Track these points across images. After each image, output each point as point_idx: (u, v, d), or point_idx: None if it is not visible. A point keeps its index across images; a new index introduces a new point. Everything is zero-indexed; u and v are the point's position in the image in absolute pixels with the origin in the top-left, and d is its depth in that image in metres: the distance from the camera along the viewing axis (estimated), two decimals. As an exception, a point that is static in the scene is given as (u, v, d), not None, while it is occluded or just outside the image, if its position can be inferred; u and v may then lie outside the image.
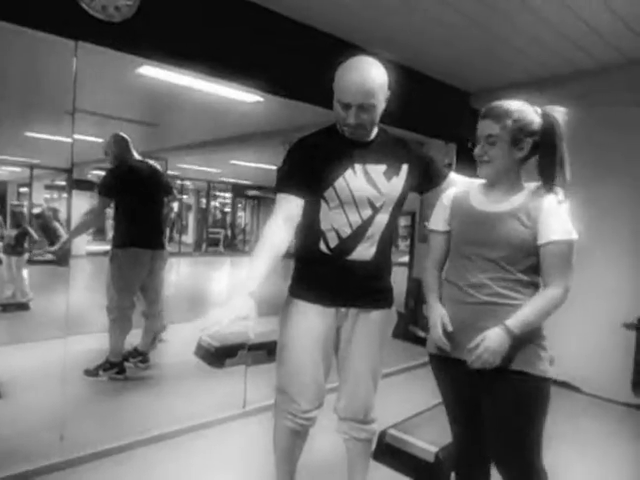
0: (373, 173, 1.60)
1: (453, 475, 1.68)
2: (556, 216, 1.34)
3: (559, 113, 1.41)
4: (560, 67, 3.38)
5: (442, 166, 1.78)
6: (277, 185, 1.59)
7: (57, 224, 7.96)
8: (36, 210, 9.77)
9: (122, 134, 3.33)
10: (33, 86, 4.22)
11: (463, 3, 2.50)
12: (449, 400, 1.55)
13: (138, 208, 3.22)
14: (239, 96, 3.61)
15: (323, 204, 1.61)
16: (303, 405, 1.68)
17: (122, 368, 3.23)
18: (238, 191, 15.71)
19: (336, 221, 1.60)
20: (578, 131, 3.21)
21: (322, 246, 1.63)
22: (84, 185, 8.00)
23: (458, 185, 1.65)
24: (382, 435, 2.36)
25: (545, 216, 1.35)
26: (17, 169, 11.05)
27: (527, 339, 1.35)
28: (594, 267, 3.51)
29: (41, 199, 11.67)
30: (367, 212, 1.60)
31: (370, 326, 1.68)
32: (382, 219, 1.63)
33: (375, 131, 1.66)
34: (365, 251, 1.62)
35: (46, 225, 7.82)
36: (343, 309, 1.66)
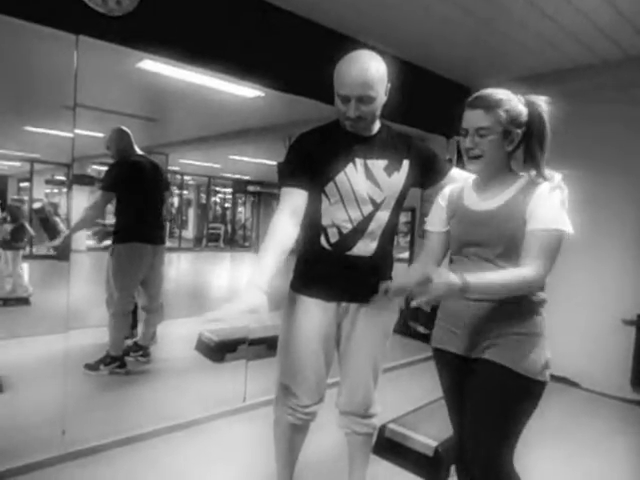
0: (374, 168, 1.60)
1: (453, 468, 1.69)
2: (545, 204, 1.29)
3: (543, 102, 1.36)
4: (562, 62, 3.37)
5: (444, 162, 1.77)
6: (280, 180, 1.60)
7: (57, 219, 7.97)
8: (36, 205, 9.76)
9: (124, 128, 3.32)
10: (33, 80, 4.21)
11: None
12: (448, 392, 1.55)
13: (140, 203, 3.22)
14: (240, 91, 3.60)
15: (324, 199, 1.61)
16: (304, 400, 1.69)
17: (123, 362, 3.24)
18: (238, 186, 15.70)
19: (337, 217, 1.60)
20: (580, 125, 3.27)
21: (323, 241, 1.63)
22: (84, 180, 8.01)
23: (457, 182, 1.62)
24: (382, 429, 2.37)
25: (534, 205, 1.30)
26: (17, 164, 11.04)
27: (524, 338, 1.32)
28: (594, 263, 3.52)
29: (42, 194, 11.66)
30: (368, 208, 1.60)
31: (370, 321, 1.69)
32: (383, 215, 1.63)
33: (378, 126, 1.65)
34: (366, 247, 1.62)
35: (46, 220, 7.83)
36: (344, 304, 1.67)
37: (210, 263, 12.31)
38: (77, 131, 2.52)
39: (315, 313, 1.65)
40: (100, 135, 3.61)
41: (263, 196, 14.39)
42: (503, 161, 1.38)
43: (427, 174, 1.70)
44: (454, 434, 1.56)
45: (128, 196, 3.18)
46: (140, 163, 3.29)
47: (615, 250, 3.48)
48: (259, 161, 9.11)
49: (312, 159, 1.58)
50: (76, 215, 3.36)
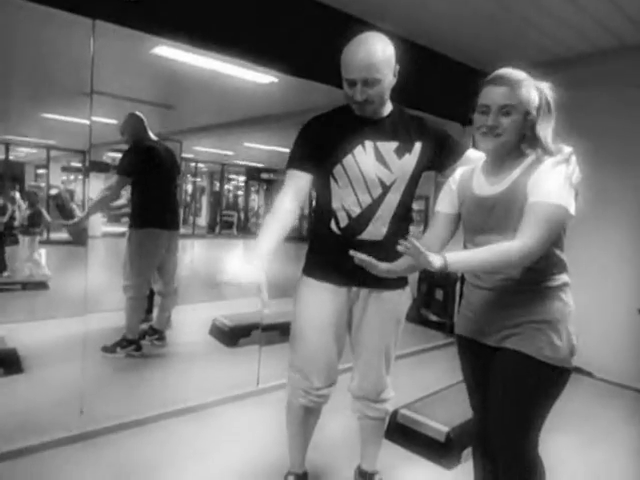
0: (384, 150, 1.59)
1: (464, 453, 1.69)
2: (547, 178, 1.25)
3: (546, 88, 1.34)
4: (580, 46, 3.30)
5: (459, 143, 1.73)
6: (287, 164, 1.61)
7: (73, 205, 8.09)
8: (53, 191, 9.90)
9: (138, 113, 3.33)
10: (50, 67, 4.24)
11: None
12: (468, 378, 1.54)
13: (156, 189, 3.25)
14: (253, 77, 3.60)
15: (333, 183, 1.60)
16: (315, 382, 1.71)
17: (139, 345, 3.30)
18: (251, 174, 15.73)
19: (346, 200, 1.60)
20: (592, 111, 3.22)
21: (333, 226, 1.63)
22: (100, 167, 8.09)
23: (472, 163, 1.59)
24: (394, 415, 2.38)
25: (534, 180, 1.27)
26: (34, 150, 11.18)
27: (544, 325, 1.30)
28: (609, 252, 3.47)
29: (58, 181, 11.82)
30: (377, 191, 1.59)
31: (382, 306, 1.69)
32: (393, 198, 1.61)
33: (389, 108, 1.64)
34: (376, 231, 1.61)
35: (63, 207, 7.95)
36: (355, 289, 1.67)
37: (223, 250, 12.39)
38: (93, 118, 2.54)
39: (326, 297, 1.66)
40: (115, 122, 3.63)
41: (276, 183, 14.40)
42: (516, 143, 1.35)
43: (441, 156, 1.66)
44: (474, 418, 1.57)
45: (143, 181, 3.21)
46: (155, 148, 3.31)
47: (630, 239, 3.43)
48: (272, 148, 9.10)
49: (320, 143, 1.58)
50: (94, 199, 3.40)
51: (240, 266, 1.37)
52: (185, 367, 3.20)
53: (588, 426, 2.72)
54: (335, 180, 1.60)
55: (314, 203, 1.74)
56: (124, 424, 2.37)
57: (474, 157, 1.62)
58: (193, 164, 14.03)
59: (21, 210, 6.09)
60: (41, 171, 12.32)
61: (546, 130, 1.32)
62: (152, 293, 3.52)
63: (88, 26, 2.09)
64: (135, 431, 2.37)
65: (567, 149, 1.30)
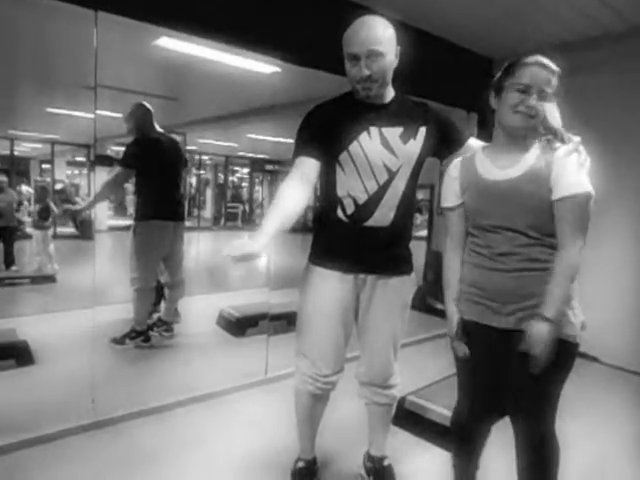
0: (389, 136, 1.58)
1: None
2: (565, 169, 1.30)
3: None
4: (589, 29, 3.26)
5: (462, 130, 1.73)
6: (293, 154, 1.60)
7: (79, 199, 8.15)
8: (59, 186, 9.96)
9: (145, 103, 3.31)
10: (54, 61, 4.24)
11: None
12: (470, 363, 1.55)
13: (160, 181, 3.26)
14: (256, 67, 3.58)
15: (339, 169, 1.60)
16: (323, 369, 1.72)
17: (147, 336, 3.34)
18: (256, 166, 15.70)
19: (352, 187, 1.60)
20: (606, 95, 3.18)
21: (339, 213, 1.63)
22: (104, 160, 8.11)
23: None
24: (402, 401, 2.40)
25: (555, 171, 1.31)
26: (38, 145, 11.21)
27: None
28: (618, 235, 3.45)
29: (63, 175, 11.86)
30: (384, 177, 1.59)
31: (389, 293, 1.70)
32: (399, 184, 1.61)
33: (392, 94, 1.64)
34: (383, 217, 1.61)
35: (68, 200, 8.02)
36: (362, 276, 1.68)
37: (229, 242, 12.43)
38: (97, 112, 2.55)
39: (333, 284, 1.67)
40: (118, 115, 3.62)
41: (281, 175, 14.38)
42: (538, 126, 1.38)
43: (444, 142, 1.66)
44: (461, 404, 1.59)
45: (147, 173, 3.21)
46: (159, 140, 3.31)
47: (637, 222, 3.41)
48: (276, 139, 9.07)
49: (325, 129, 1.57)
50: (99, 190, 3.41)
51: (242, 241, 1.36)
52: (193, 357, 3.24)
53: (594, 411, 2.73)
54: (341, 167, 1.60)
55: (318, 192, 1.73)
56: (135, 413, 2.41)
57: (476, 146, 1.62)
58: (197, 156, 14.02)
59: (30, 205, 6.16)
60: (46, 166, 12.35)
61: (558, 117, 1.37)
62: (160, 285, 3.55)
63: (91, 18, 2.09)
64: (146, 419, 2.41)
65: (576, 138, 1.34)
